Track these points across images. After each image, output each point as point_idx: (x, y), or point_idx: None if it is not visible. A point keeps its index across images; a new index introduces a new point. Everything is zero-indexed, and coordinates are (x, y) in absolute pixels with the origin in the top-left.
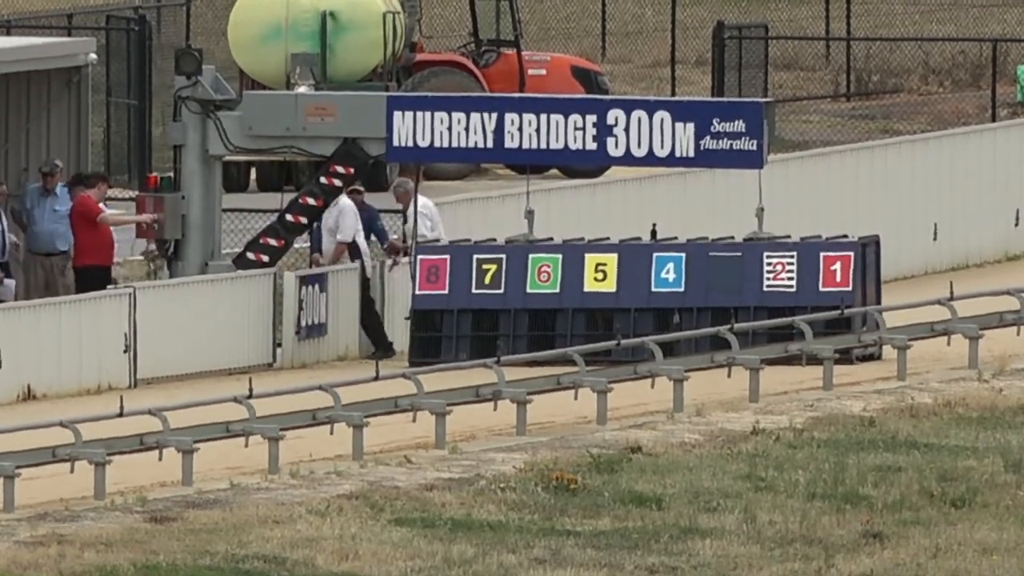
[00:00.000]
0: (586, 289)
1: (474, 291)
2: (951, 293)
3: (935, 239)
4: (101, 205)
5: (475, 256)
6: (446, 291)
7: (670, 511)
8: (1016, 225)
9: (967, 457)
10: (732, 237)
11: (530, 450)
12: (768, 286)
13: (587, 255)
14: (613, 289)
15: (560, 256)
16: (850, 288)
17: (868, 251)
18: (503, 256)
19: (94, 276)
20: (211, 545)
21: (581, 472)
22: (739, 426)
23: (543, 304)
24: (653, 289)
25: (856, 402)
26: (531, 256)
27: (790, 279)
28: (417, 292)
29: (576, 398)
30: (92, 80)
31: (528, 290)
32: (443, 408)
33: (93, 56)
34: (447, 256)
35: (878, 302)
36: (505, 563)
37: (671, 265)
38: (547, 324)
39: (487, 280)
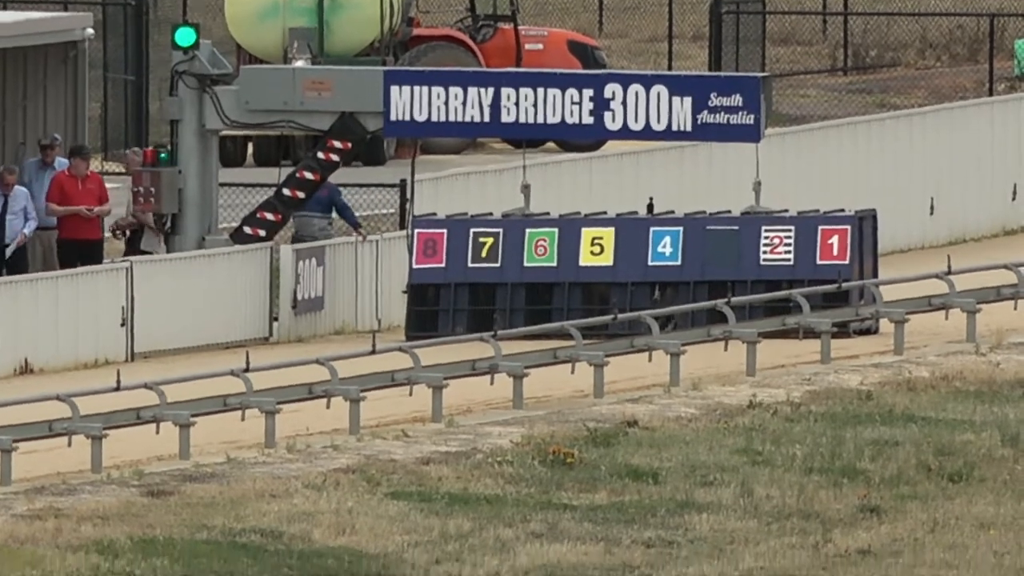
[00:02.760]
0: (583, 263)
1: (471, 265)
2: (948, 267)
3: (932, 213)
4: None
5: (472, 230)
6: (443, 265)
7: (667, 485)
8: (1013, 199)
9: (964, 431)
10: (729, 211)
11: (527, 424)
12: (765, 260)
13: (584, 229)
14: (610, 263)
15: (557, 230)
16: (847, 262)
17: (865, 225)
18: (500, 230)
19: (73, 249)
20: (208, 519)
21: (578, 446)
22: (736, 400)
23: (540, 278)
24: (650, 263)
25: (853, 376)
26: (528, 230)
27: (787, 253)
28: (414, 266)
29: (573, 372)
30: (89, 55)
31: (525, 264)
32: (440, 382)
33: (90, 31)
34: (444, 230)
35: (875, 276)
36: (502, 537)
37: (668, 239)
38: (544, 298)
39: (484, 254)
